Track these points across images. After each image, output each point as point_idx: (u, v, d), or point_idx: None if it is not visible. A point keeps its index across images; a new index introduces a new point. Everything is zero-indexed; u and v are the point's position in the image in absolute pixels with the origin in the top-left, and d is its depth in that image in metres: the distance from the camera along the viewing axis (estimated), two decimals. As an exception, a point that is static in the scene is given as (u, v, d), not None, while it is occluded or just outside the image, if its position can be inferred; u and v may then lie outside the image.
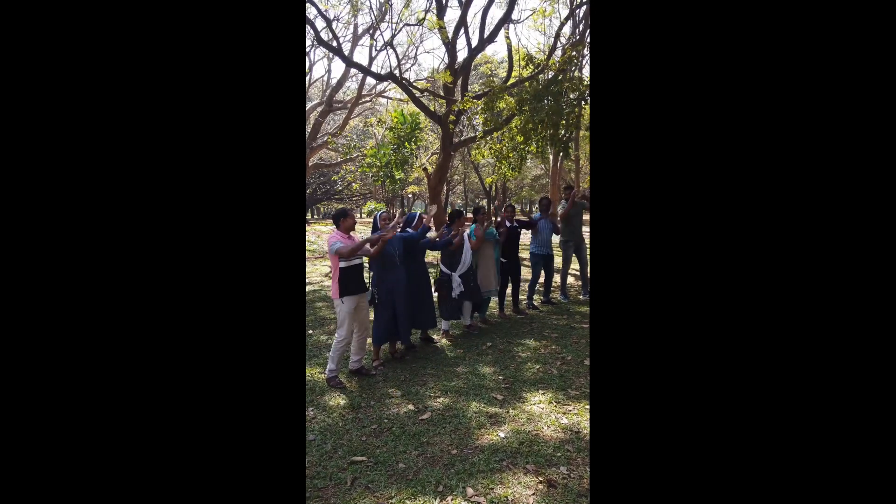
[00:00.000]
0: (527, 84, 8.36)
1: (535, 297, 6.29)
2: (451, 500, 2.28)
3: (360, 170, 15.06)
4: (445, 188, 24.47)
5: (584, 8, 13.13)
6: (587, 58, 12.96)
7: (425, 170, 12.98)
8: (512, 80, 9.93)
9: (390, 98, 18.46)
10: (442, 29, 9.98)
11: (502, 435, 2.88)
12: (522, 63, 9.24)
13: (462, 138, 12.46)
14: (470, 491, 2.33)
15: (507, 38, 10.65)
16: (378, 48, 15.96)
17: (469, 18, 11.08)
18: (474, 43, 10.60)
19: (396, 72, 10.50)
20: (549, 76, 8.30)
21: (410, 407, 3.33)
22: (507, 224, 5.56)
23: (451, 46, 10.65)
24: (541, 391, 3.51)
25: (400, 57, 14.12)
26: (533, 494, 2.31)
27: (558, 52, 10.38)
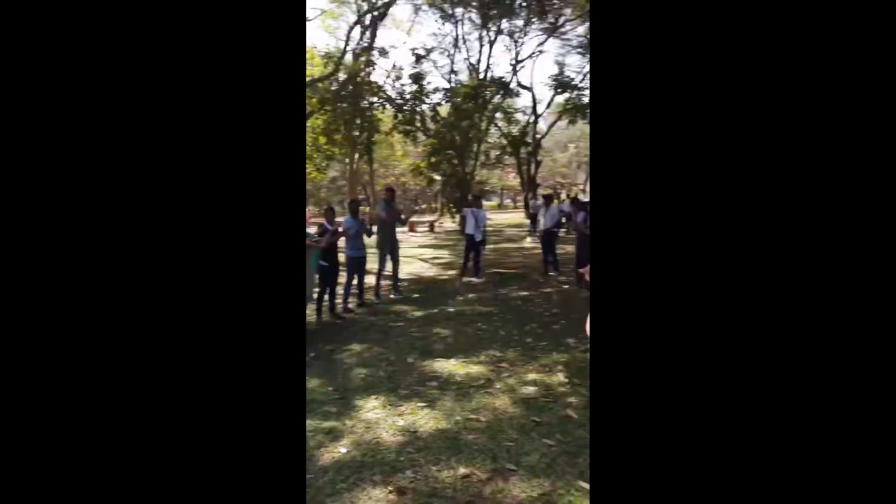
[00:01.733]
0: (324, 83, 8.19)
1: (350, 299, 6.23)
2: (301, 532, 2.12)
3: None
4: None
5: (372, 15, 13.39)
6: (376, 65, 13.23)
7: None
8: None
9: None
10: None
11: (344, 450, 2.78)
12: (316, 63, 9.02)
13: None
14: (320, 518, 2.20)
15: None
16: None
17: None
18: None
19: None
20: (344, 78, 8.27)
21: (234, 439, 2.98)
22: (328, 227, 5.43)
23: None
24: (373, 396, 3.49)
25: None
26: (385, 506, 2.28)
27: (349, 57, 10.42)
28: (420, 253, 12.26)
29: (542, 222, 8.77)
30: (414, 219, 20.45)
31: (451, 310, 5.99)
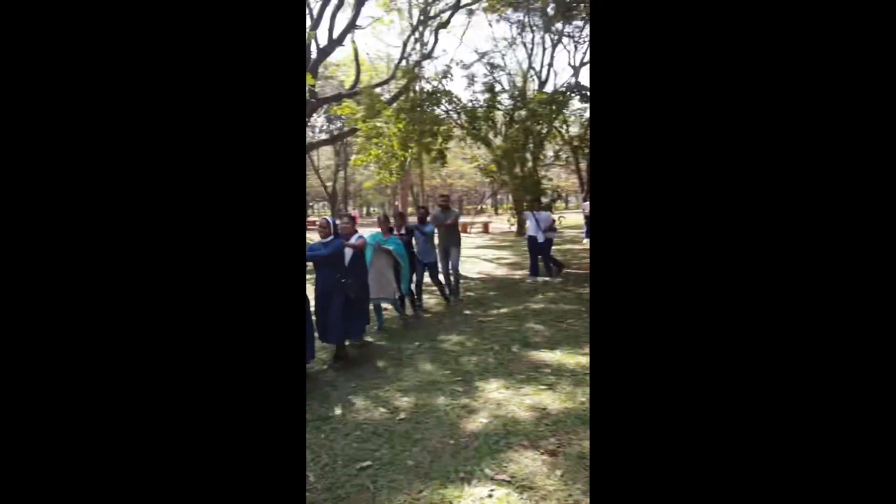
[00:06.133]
0: (400, 100, 8.68)
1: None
2: (477, 482, 2.45)
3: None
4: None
5: (437, 23, 13.85)
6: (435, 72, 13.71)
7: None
8: (366, 85, 10.14)
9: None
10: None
11: (485, 421, 3.11)
12: (366, 68, 9.53)
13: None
14: (489, 471, 2.53)
15: (354, 42, 10.87)
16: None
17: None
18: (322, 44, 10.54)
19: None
20: (419, 87, 8.76)
21: (382, 409, 3.35)
22: (403, 231, 5.88)
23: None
24: (492, 379, 3.82)
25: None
26: (542, 464, 2.60)
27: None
28: (481, 253, 12.52)
29: (531, 227, 8.26)
30: (466, 219, 21.18)
31: (536, 306, 6.29)
